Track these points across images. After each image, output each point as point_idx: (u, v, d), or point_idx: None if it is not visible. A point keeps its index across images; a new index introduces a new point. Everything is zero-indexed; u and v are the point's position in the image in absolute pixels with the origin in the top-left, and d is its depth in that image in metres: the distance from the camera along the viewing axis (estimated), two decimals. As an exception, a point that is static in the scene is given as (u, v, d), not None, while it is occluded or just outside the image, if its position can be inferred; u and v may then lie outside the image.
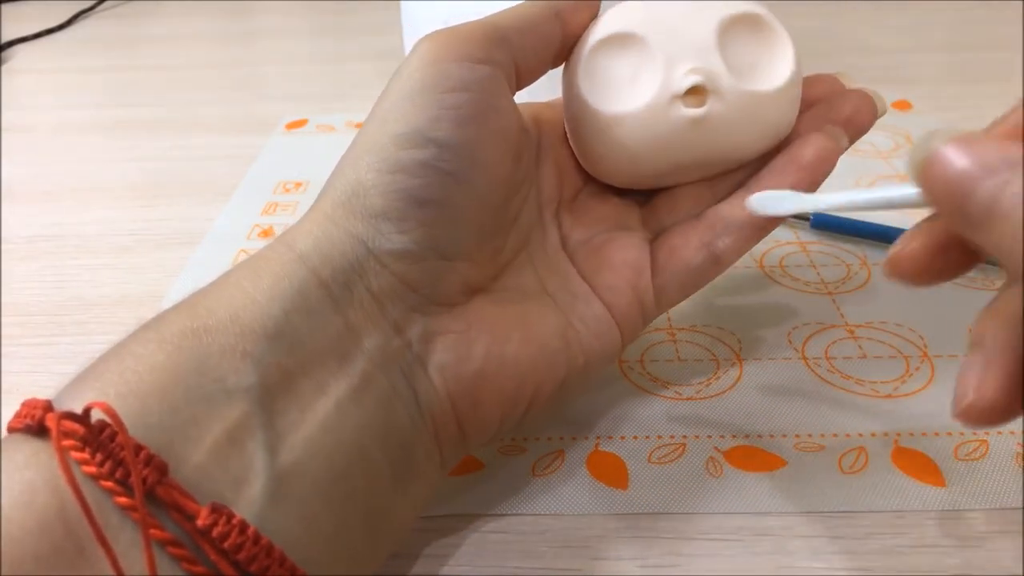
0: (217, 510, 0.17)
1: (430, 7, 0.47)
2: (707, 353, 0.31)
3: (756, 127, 0.25)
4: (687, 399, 0.29)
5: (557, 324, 0.24)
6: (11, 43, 0.74)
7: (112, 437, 0.17)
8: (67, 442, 0.16)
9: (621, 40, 0.25)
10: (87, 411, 0.17)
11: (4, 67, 0.70)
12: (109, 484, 0.16)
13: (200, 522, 0.16)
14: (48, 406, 0.17)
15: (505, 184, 0.24)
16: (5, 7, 0.86)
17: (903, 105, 0.52)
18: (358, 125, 0.45)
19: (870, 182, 0.42)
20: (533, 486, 0.26)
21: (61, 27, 0.79)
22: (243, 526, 0.17)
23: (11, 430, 0.18)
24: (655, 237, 0.27)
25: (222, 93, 0.62)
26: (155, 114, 0.58)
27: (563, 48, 0.26)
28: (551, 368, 0.23)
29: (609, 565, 0.23)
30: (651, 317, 0.26)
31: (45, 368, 0.33)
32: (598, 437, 0.27)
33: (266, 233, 0.41)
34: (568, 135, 0.27)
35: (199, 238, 0.41)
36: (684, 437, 0.27)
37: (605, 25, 0.26)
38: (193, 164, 0.50)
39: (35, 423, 0.17)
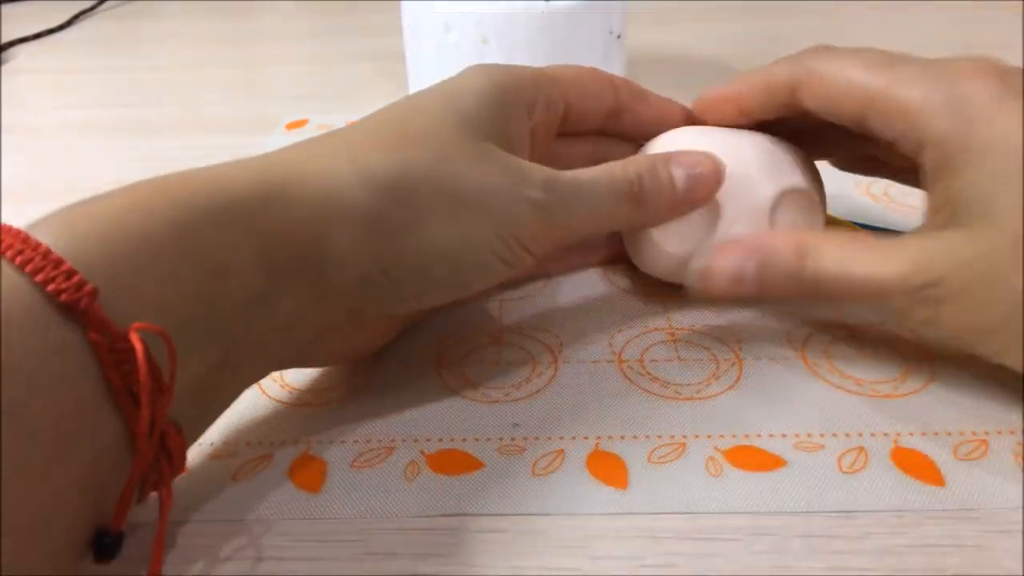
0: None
1: (430, 7, 0.47)
2: (707, 353, 0.31)
3: None
4: (687, 399, 0.29)
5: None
6: (11, 43, 0.74)
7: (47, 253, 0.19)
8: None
9: None
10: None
11: (4, 67, 0.70)
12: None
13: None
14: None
15: None
16: (5, 7, 0.86)
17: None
18: (358, 125, 0.45)
19: (870, 181, 0.42)
20: (533, 486, 0.26)
21: (61, 27, 0.79)
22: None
23: None
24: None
25: (222, 93, 0.62)
26: (155, 114, 0.58)
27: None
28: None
29: (609, 565, 0.23)
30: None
31: (45, 368, 0.33)
32: (598, 437, 0.27)
33: (266, 233, 0.41)
34: (623, 237, 0.34)
35: (199, 238, 0.41)
36: (684, 437, 0.27)
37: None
38: (193, 164, 0.49)
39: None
